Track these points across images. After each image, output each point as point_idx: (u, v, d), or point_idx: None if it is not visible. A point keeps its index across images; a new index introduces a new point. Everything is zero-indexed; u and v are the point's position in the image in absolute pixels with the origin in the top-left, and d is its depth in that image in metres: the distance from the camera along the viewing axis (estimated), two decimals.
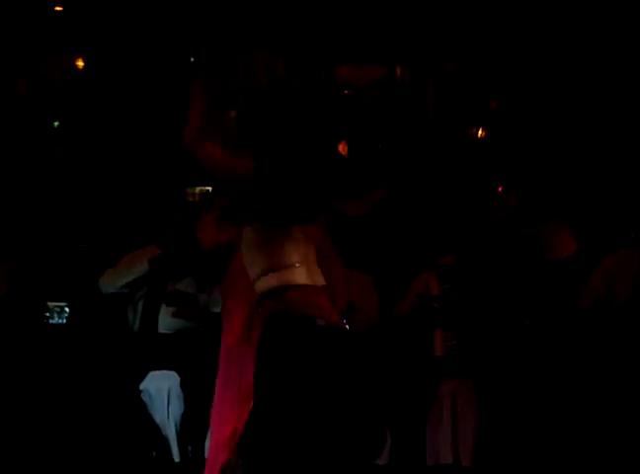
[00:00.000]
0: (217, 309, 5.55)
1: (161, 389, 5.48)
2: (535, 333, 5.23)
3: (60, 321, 6.12)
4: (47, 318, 6.09)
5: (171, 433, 5.44)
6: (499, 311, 5.46)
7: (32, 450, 5.61)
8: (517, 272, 5.43)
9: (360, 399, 3.88)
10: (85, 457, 5.60)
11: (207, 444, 5.29)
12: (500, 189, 5.92)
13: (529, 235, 5.37)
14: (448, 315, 5.69)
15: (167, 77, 6.43)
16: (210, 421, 4.54)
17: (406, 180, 6.13)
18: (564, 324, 5.08)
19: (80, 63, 6.42)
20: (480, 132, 6.23)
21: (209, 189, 6.01)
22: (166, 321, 5.57)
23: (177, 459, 5.44)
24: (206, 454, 5.27)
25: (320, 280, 3.93)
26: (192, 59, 6.21)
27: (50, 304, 6.09)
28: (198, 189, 6.30)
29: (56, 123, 6.55)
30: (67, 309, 6.13)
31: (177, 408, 5.47)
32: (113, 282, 5.65)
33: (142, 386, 5.51)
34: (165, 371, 5.51)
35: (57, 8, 6.33)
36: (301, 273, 3.87)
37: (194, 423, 5.42)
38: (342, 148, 5.46)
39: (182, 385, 5.48)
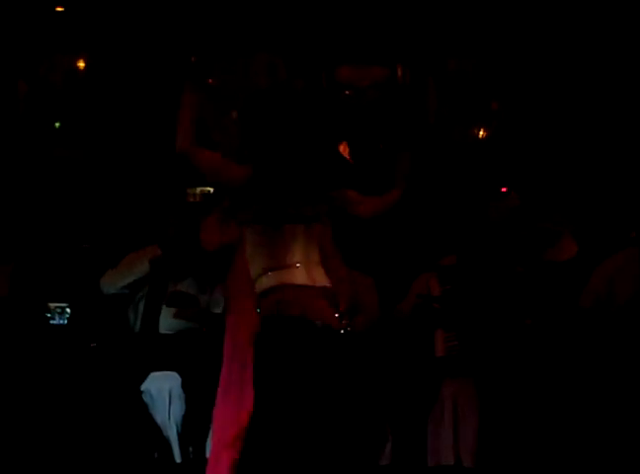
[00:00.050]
0: (218, 310, 5.57)
1: (162, 390, 5.48)
2: (536, 333, 5.24)
3: (61, 322, 6.12)
4: (49, 319, 6.10)
5: (172, 433, 5.44)
6: (500, 312, 5.46)
7: (33, 451, 5.61)
8: (517, 272, 5.43)
9: (357, 400, 3.88)
10: (86, 458, 5.60)
11: (209, 445, 5.30)
12: (504, 189, 5.91)
13: (530, 236, 5.37)
14: (449, 316, 5.69)
15: (168, 78, 6.42)
16: (212, 421, 4.54)
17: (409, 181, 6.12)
18: (564, 324, 5.08)
19: (81, 64, 6.42)
20: (481, 133, 6.22)
21: (210, 189, 6.01)
22: (167, 322, 5.57)
23: (178, 460, 5.44)
24: (208, 455, 5.28)
25: (323, 281, 3.94)
26: (193, 60, 6.20)
27: (52, 305, 6.08)
28: (198, 189, 6.28)
29: (57, 124, 6.55)
30: (68, 310, 6.13)
31: (178, 409, 5.47)
32: (113, 283, 5.65)
33: (143, 387, 5.51)
34: (166, 372, 5.51)
35: (58, 8, 6.33)
36: (301, 273, 3.88)
37: (195, 423, 5.42)
38: (343, 149, 5.44)
39: (183, 386, 5.48)
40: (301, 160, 3.98)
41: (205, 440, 5.35)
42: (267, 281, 3.91)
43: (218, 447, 4.31)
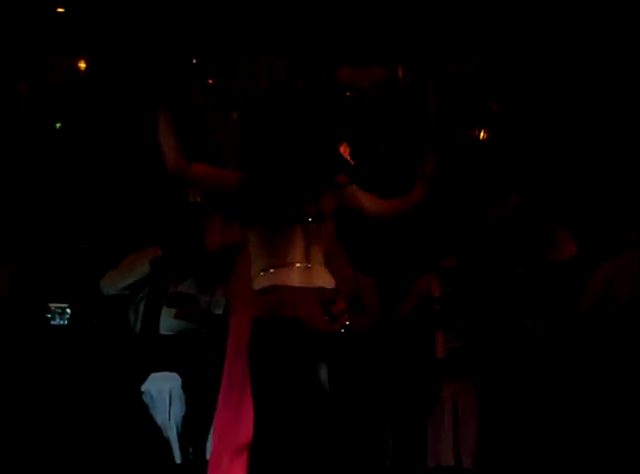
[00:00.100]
0: (219, 311, 5.57)
1: (162, 391, 5.47)
2: (536, 334, 5.24)
3: (62, 322, 6.12)
4: (49, 319, 6.09)
5: (172, 434, 5.44)
6: (500, 313, 5.46)
7: (33, 451, 5.61)
8: (517, 273, 5.43)
9: (354, 401, 3.88)
10: (86, 458, 5.60)
11: (209, 446, 5.30)
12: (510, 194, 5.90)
13: (530, 235, 5.37)
14: (450, 317, 5.69)
15: (168, 78, 6.42)
16: (214, 422, 4.54)
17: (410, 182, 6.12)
18: (564, 325, 5.08)
19: (82, 65, 6.41)
20: (482, 134, 6.22)
21: None
22: (167, 322, 5.56)
23: (178, 461, 5.44)
24: (208, 456, 5.28)
25: (322, 281, 3.94)
26: (194, 61, 6.21)
27: (52, 306, 6.08)
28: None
29: (58, 125, 6.54)
30: (69, 311, 6.13)
31: (178, 409, 5.47)
32: (114, 284, 5.64)
33: (144, 388, 5.50)
34: (166, 373, 5.51)
35: (59, 9, 6.32)
36: (299, 273, 3.89)
37: (195, 424, 5.42)
38: (343, 150, 5.45)
39: (183, 387, 5.48)
40: (301, 161, 3.98)
41: (206, 441, 5.35)
42: (263, 281, 3.93)
43: (219, 449, 4.31)
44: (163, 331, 5.57)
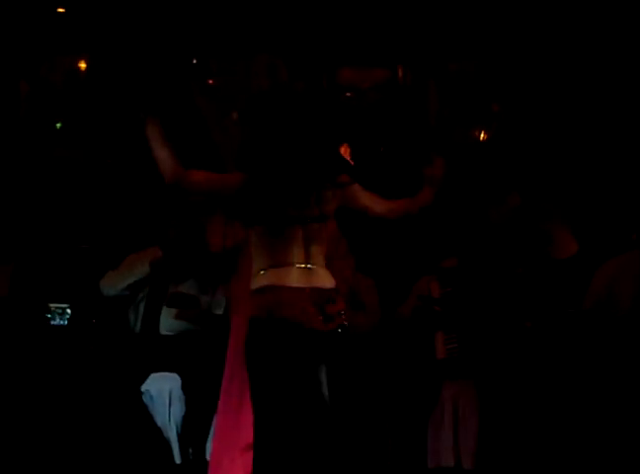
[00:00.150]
0: (219, 311, 5.57)
1: (162, 391, 5.47)
2: (536, 335, 5.23)
3: (62, 323, 6.12)
4: (49, 319, 6.10)
5: (172, 434, 5.44)
6: (500, 314, 5.46)
7: (33, 452, 5.61)
8: (518, 274, 5.42)
9: (351, 401, 3.89)
10: (86, 458, 5.60)
11: (209, 446, 5.30)
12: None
13: (530, 235, 5.36)
14: (450, 318, 5.69)
15: (169, 78, 6.42)
16: (216, 422, 4.54)
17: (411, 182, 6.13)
18: (565, 326, 5.07)
19: (83, 65, 6.42)
20: (482, 135, 6.22)
21: None
22: (167, 323, 5.56)
23: (178, 461, 5.44)
24: (207, 456, 5.29)
25: (322, 282, 3.94)
26: (194, 61, 6.21)
27: (52, 306, 6.09)
28: None
29: (59, 125, 6.54)
30: (69, 311, 6.14)
31: (178, 410, 5.47)
32: (114, 285, 5.64)
33: (144, 388, 5.50)
34: (166, 373, 5.50)
35: (60, 9, 6.32)
36: (297, 273, 3.89)
37: (195, 425, 5.42)
38: (344, 151, 5.46)
39: (183, 387, 5.48)
40: (301, 161, 3.98)
41: (205, 442, 5.36)
42: (261, 280, 3.93)
43: (220, 450, 4.31)
44: (163, 331, 5.57)
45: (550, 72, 6.30)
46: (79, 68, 6.37)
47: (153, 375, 5.51)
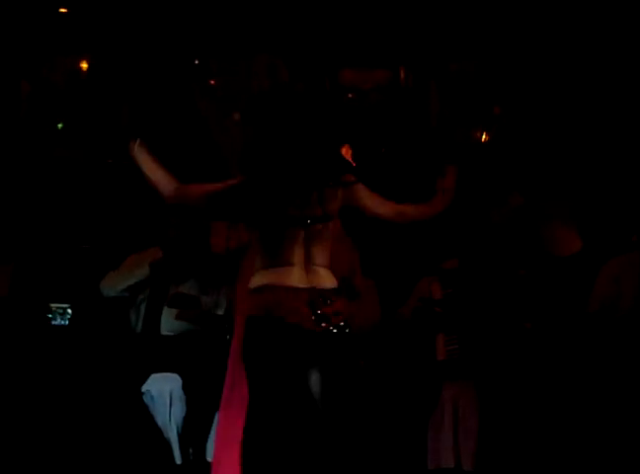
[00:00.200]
0: (220, 311, 5.57)
1: (163, 391, 5.47)
2: (536, 337, 5.23)
3: (63, 323, 6.12)
4: (50, 319, 6.09)
5: (173, 435, 5.44)
6: (501, 315, 5.46)
7: (33, 451, 5.61)
8: (519, 276, 5.43)
9: (343, 401, 3.89)
10: (86, 459, 5.60)
11: (209, 447, 5.31)
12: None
13: (533, 232, 5.36)
14: (451, 319, 5.69)
15: (170, 78, 6.43)
16: (218, 422, 4.54)
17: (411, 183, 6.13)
18: (569, 328, 5.07)
19: (84, 65, 6.42)
20: (484, 136, 6.22)
21: None
22: (168, 323, 5.56)
23: (178, 462, 5.44)
24: (208, 457, 5.29)
25: (323, 282, 3.94)
26: (196, 62, 6.21)
27: (53, 306, 6.08)
28: None
29: (60, 125, 6.55)
30: (70, 311, 6.13)
31: (179, 410, 5.47)
32: (114, 286, 5.64)
33: (144, 388, 5.50)
34: (167, 374, 5.50)
35: (62, 10, 6.33)
36: (296, 273, 3.89)
37: (195, 425, 5.42)
38: (345, 151, 5.45)
39: (184, 387, 5.48)
40: (303, 162, 3.98)
41: (206, 442, 5.36)
42: (259, 279, 3.94)
43: (222, 449, 4.32)
44: (164, 331, 5.57)
45: (551, 72, 6.30)
46: (80, 68, 6.38)
47: (154, 376, 5.51)
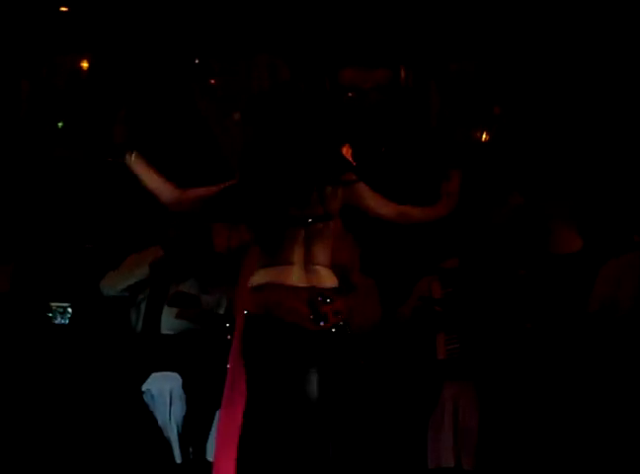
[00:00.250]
0: (221, 310, 5.58)
1: (163, 390, 5.48)
2: (537, 336, 5.23)
3: (63, 322, 6.12)
4: (50, 319, 6.09)
5: (173, 434, 5.45)
6: (501, 315, 5.46)
7: (33, 450, 5.61)
8: (520, 275, 5.43)
9: (341, 400, 3.89)
10: (86, 458, 5.60)
11: (209, 446, 5.31)
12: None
13: (533, 231, 5.36)
14: (451, 319, 5.69)
15: (171, 78, 6.43)
16: (219, 421, 4.54)
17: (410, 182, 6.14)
18: (569, 328, 5.07)
19: (84, 65, 6.42)
20: (484, 136, 6.22)
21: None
22: (169, 322, 5.57)
23: (178, 460, 5.44)
24: (208, 456, 5.30)
25: (323, 281, 3.95)
26: (196, 61, 6.21)
27: (53, 305, 6.08)
28: None
29: (60, 125, 6.55)
30: (70, 310, 6.13)
31: (179, 409, 5.47)
32: (114, 285, 5.65)
33: (144, 387, 5.51)
34: (167, 373, 5.51)
35: (62, 9, 6.33)
36: (296, 272, 3.90)
37: (195, 424, 5.43)
38: (345, 151, 5.45)
39: (184, 386, 5.48)
40: (303, 161, 3.99)
41: (206, 442, 5.36)
42: (259, 278, 3.94)
43: (221, 449, 4.31)
44: (164, 330, 5.58)
45: (551, 72, 6.31)
46: (81, 68, 6.38)
47: (154, 375, 5.52)
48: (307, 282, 3.91)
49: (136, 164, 4.05)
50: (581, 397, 5.00)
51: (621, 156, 6.22)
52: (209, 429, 5.34)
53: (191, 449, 5.47)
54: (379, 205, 4.11)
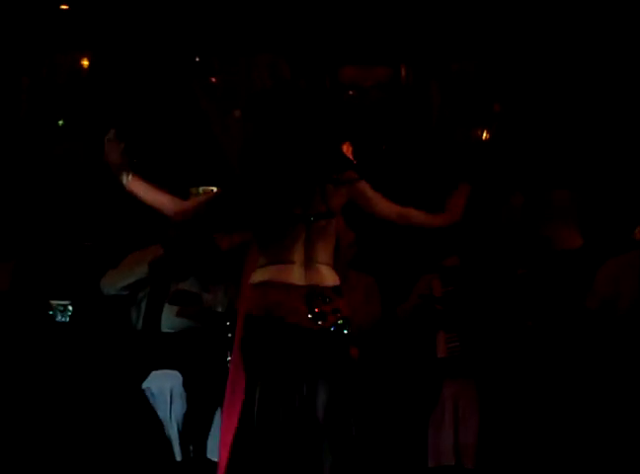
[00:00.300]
0: (221, 308, 5.57)
1: (163, 388, 5.48)
2: (537, 335, 5.23)
3: (64, 319, 6.11)
4: (51, 316, 6.09)
5: (173, 432, 5.44)
6: (502, 313, 5.46)
7: (33, 449, 5.61)
8: (520, 274, 5.42)
9: (347, 399, 3.89)
10: (87, 456, 5.60)
11: (209, 444, 5.31)
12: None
13: (534, 229, 5.35)
14: (451, 317, 5.69)
15: (172, 76, 6.43)
16: (222, 421, 4.53)
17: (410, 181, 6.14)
18: (568, 326, 5.07)
19: (85, 62, 6.43)
20: (484, 134, 6.23)
21: (214, 188, 6.00)
22: (169, 320, 5.57)
23: (179, 458, 5.44)
24: (208, 454, 5.30)
25: (324, 280, 3.94)
26: (197, 59, 6.22)
27: (54, 303, 6.08)
28: (201, 189, 6.28)
29: (60, 122, 6.55)
30: (71, 308, 6.13)
31: (179, 407, 5.47)
32: (114, 284, 5.65)
33: (145, 385, 5.50)
34: (168, 371, 5.51)
35: (63, 6, 6.33)
36: (296, 271, 3.89)
37: (196, 422, 5.43)
38: (346, 149, 5.45)
39: (184, 385, 5.48)
40: (304, 159, 3.98)
41: (206, 440, 5.36)
42: (260, 275, 3.94)
43: (224, 448, 4.31)
44: (165, 328, 5.58)
45: (550, 71, 6.31)
46: (81, 66, 6.38)
47: (154, 373, 5.51)
48: (307, 281, 3.91)
49: (134, 185, 4.05)
50: (581, 395, 4.99)
51: (621, 154, 6.22)
52: (210, 427, 5.34)
53: (191, 447, 5.47)
54: (379, 205, 4.11)
